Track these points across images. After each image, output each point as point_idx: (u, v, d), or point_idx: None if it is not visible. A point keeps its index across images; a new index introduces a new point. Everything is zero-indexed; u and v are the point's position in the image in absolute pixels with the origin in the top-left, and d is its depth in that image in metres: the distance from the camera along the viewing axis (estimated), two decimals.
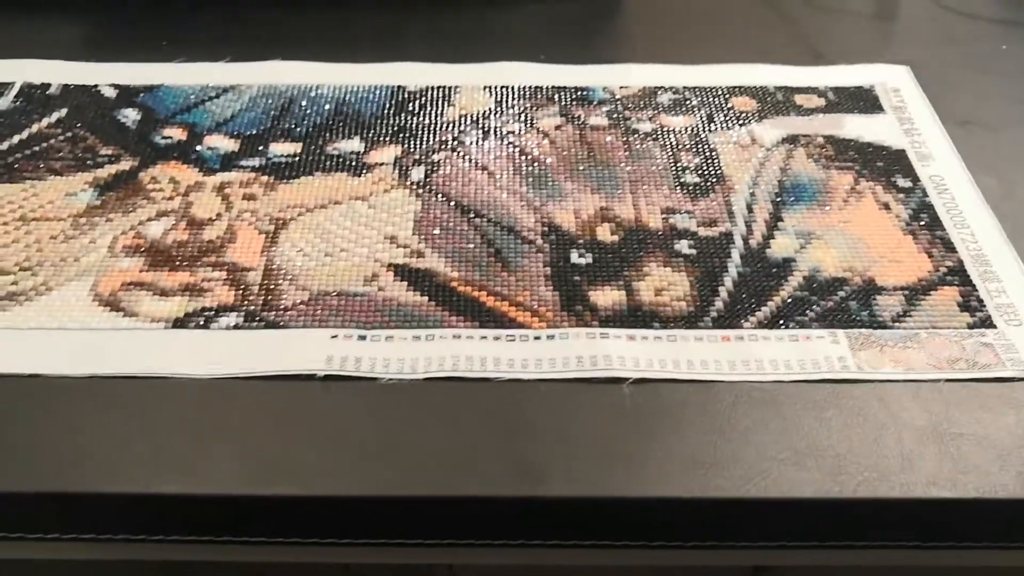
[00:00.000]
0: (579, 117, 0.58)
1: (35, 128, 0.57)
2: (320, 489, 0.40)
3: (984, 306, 0.47)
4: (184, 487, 0.40)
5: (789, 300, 0.47)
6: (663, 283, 0.48)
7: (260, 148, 0.56)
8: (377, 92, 0.60)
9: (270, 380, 0.43)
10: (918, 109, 0.59)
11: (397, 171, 0.54)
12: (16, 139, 0.56)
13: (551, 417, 0.42)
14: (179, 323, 0.46)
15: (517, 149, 0.56)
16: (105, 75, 0.61)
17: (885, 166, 0.55)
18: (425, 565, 0.45)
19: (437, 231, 0.50)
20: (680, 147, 0.56)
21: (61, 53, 0.63)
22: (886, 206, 0.52)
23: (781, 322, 0.46)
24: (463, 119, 0.58)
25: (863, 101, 0.59)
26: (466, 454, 0.41)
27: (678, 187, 0.53)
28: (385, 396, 0.43)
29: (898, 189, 0.53)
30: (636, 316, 0.46)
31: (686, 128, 0.57)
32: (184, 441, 0.41)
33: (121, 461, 0.41)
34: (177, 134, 0.57)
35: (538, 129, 0.57)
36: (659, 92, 0.60)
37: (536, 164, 0.55)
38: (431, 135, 0.57)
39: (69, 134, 0.57)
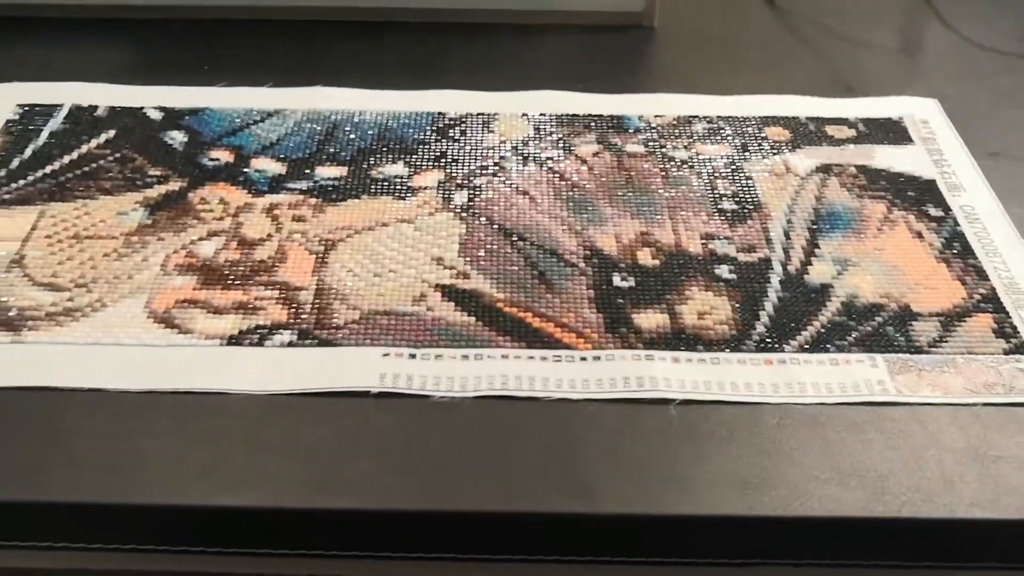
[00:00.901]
0: (616, 144, 0.59)
1: (84, 149, 0.58)
2: (376, 503, 0.41)
3: (1018, 332, 0.48)
4: (242, 500, 0.41)
5: (828, 325, 0.48)
6: (705, 307, 0.49)
7: (307, 171, 0.57)
8: (418, 118, 0.61)
9: (324, 396, 0.44)
10: (947, 141, 0.60)
11: (441, 195, 0.55)
12: (67, 159, 0.58)
13: (600, 436, 0.43)
14: (234, 340, 0.47)
15: (556, 175, 0.57)
16: (150, 98, 0.62)
17: (916, 196, 0.56)
18: None
19: (482, 253, 0.52)
20: (716, 175, 0.57)
21: (106, 77, 0.64)
22: (919, 235, 0.53)
23: (821, 346, 0.47)
24: (503, 145, 0.59)
25: (892, 132, 0.61)
26: (517, 471, 0.42)
27: (716, 213, 0.54)
28: (437, 413, 0.44)
29: (930, 218, 0.54)
30: (680, 339, 0.47)
31: (721, 156, 0.59)
32: (241, 455, 0.42)
33: (179, 474, 0.41)
34: (224, 156, 0.58)
35: (576, 156, 0.58)
36: (693, 121, 0.61)
37: (576, 189, 0.56)
38: (472, 160, 0.58)
39: (118, 155, 0.58)
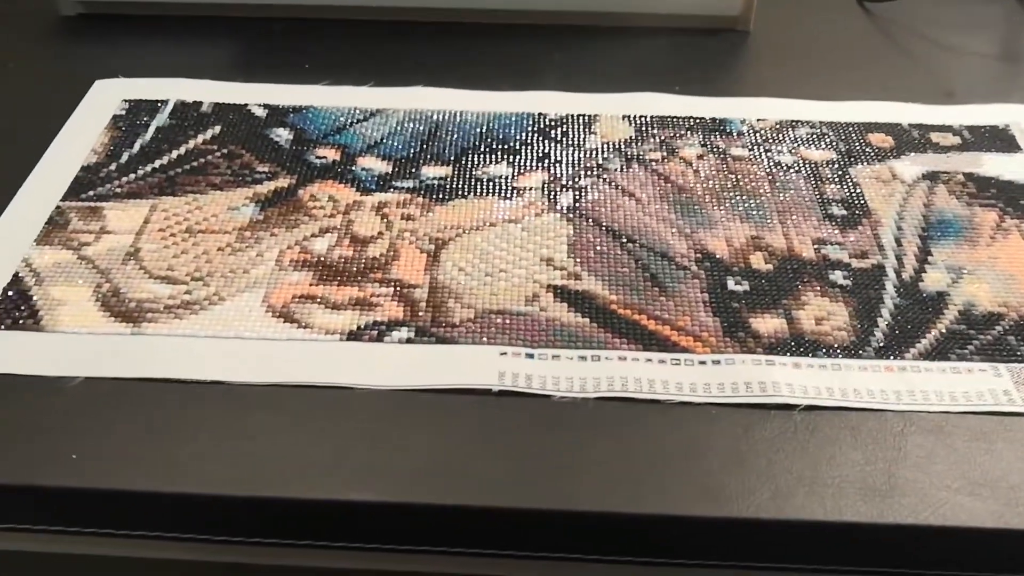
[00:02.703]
0: (720, 147, 0.59)
1: (191, 144, 0.59)
2: (501, 501, 0.41)
3: None
4: (365, 495, 0.41)
5: (947, 333, 0.47)
6: (822, 312, 0.48)
7: (412, 170, 0.57)
8: (519, 119, 0.61)
9: (444, 393, 0.45)
10: None
11: (546, 196, 0.55)
12: (175, 154, 0.58)
13: (724, 440, 0.43)
14: (353, 336, 0.47)
15: (661, 177, 0.57)
16: (253, 95, 0.63)
17: None
18: None
19: (591, 255, 0.52)
20: (823, 180, 0.57)
21: (208, 74, 0.65)
22: None
23: (942, 354, 0.46)
24: (605, 147, 0.59)
25: (999, 140, 0.60)
26: (643, 472, 0.42)
27: (826, 219, 0.54)
28: (558, 413, 0.44)
29: None
30: (799, 344, 0.47)
31: (826, 162, 0.58)
32: (364, 450, 0.42)
33: (304, 468, 0.42)
34: (331, 155, 0.58)
35: (681, 158, 0.58)
36: (796, 126, 0.61)
37: (682, 192, 0.56)
38: (575, 161, 0.58)
39: (225, 150, 0.59)
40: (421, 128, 0.60)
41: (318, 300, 0.49)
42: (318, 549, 0.43)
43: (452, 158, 0.58)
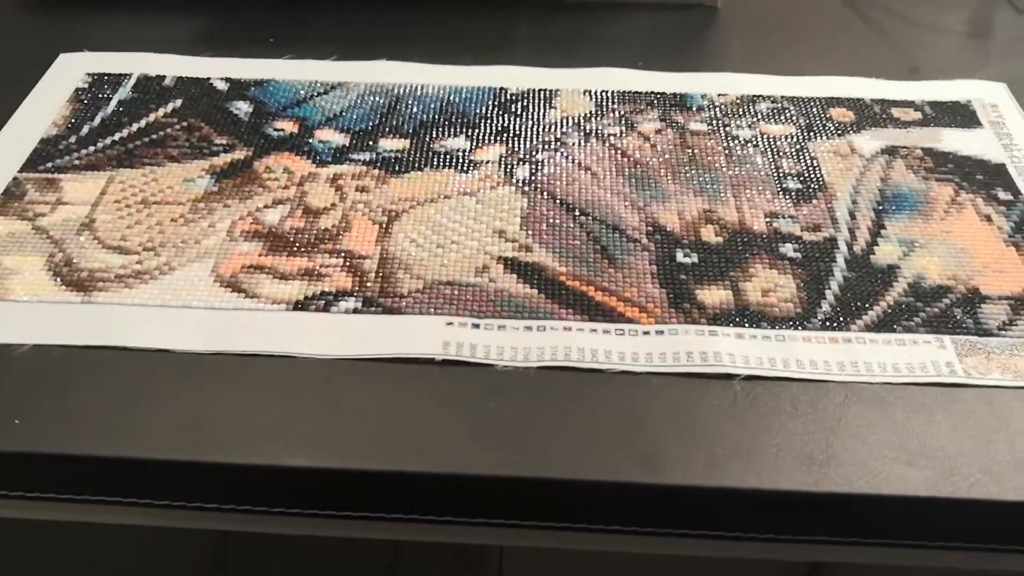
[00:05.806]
0: (679, 122, 0.59)
1: (152, 117, 0.59)
2: (441, 467, 0.41)
3: None
4: (309, 461, 0.41)
5: (895, 305, 0.48)
6: (770, 284, 0.48)
7: (370, 143, 0.57)
8: (480, 93, 0.61)
9: (389, 363, 0.45)
10: (1017, 124, 0.59)
11: (502, 169, 0.55)
12: (135, 127, 0.58)
13: (664, 409, 0.43)
14: (300, 305, 0.47)
15: (618, 151, 0.57)
16: (216, 69, 0.63)
17: (985, 179, 0.55)
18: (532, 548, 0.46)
19: (544, 227, 0.52)
20: (780, 154, 0.57)
21: (174, 48, 0.65)
22: (987, 218, 0.53)
23: (888, 326, 0.46)
24: (565, 121, 0.59)
25: (960, 116, 0.60)
26: (582, 440, 0.42)
27: (780, 192, 0.54)
28: (500, 382, 0.44)
29: (999, 202, 0.54)
30: (744, 315, 0.47)
31: (785, 136, 0.58)
32: (309, 418, 0.43)
33: (249, 434, 0.42)
34: (289, 127, 0.58)
35: (639, 132, 0.58)
36: (757, 100, 0.61)
37: (638, 166, 0.56)
38: (534, 135, 0.58)
39: (184, 123, 0.59)
40: (381, 101, 0.61)
41: (267, 270, 0.49)
42: (261, 515, 0.43)
43: (410, 131, 0.58)
